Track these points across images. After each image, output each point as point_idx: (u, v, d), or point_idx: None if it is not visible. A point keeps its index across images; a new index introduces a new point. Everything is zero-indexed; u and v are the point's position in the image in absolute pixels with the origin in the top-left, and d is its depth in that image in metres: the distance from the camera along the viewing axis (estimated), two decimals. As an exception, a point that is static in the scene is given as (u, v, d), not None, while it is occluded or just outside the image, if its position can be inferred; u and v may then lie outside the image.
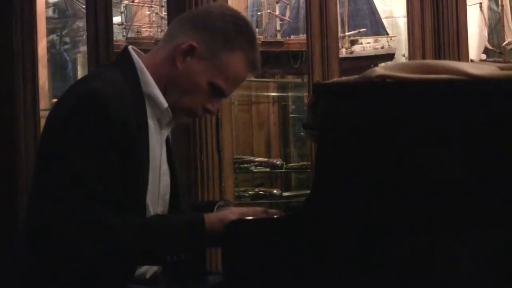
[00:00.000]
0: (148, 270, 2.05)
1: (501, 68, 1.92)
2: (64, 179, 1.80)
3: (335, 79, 3.25)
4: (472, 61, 4.63)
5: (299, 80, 5.05)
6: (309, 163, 4.19)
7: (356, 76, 1.93)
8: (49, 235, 1.81)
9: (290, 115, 5.18)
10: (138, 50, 2.07)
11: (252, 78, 5.00)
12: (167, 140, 2.13)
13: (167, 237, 1.89)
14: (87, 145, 1.81)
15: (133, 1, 5.01)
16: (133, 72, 1.99)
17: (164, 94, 2.02)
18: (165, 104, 2.00)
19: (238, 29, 2.02)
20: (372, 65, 4.36)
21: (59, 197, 1.79)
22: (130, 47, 2.05)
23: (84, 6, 4.07)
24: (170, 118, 2.04)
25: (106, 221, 1.82)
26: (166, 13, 4.35)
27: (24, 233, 1.92)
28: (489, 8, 5.71)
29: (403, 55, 4.88)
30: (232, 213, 1.94)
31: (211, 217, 1.92)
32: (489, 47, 5.65)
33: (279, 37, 4.94)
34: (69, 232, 1.79)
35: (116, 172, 1.85)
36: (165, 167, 2.08)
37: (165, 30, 2.16)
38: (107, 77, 1.93)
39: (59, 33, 5.26)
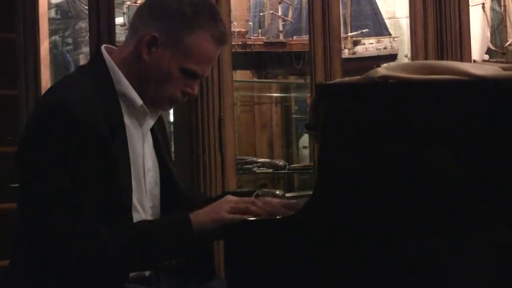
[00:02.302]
0: None
1: (504, 69, 1.92)
2: (45, 195, 1.82)
3: (338, 79, 3.24)
4: (474, 61, 4.62)
5: (301, 81, 5.05)
6: (312, 164, 4.19)
7: (358, 77, 1.93)
8: (39, 249, 1.84)
9: (293, 116, 5.17)
10: (112, 47, 2.06)
11: (255, 79, 5.02)
12: (154, 132, 2.12)
13: (154, 243, 1.89)
14: (61, 157, 1.82)
15: (135, 2, 5.00)
16: (105, 72, 1.98)
17: (141, 90, 2.01)
18: (139, 101, 1.99)
19: (195, 8, 1.98)
20: (375, 66, 4.36)
21: (43, 213, 1.81)
22: (102, 46, 2.04)
23: (86, 7, 4.07)
24: (148, 114, 2.03)
25: (93, 232, 1.82)
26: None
27: (18, 235, 1.94)
28: (492, 9, 5.71)
29: (406, 56, 4.87)
30: (224, 210, 1.92)
31: (200, 216, 1.91)
32: (492, 47, 5.65)
33: (281, 38, 4.94)
34: (57, 246, 1.81)
35: (94, 179, 1.85)
36: (149, 163, 2.07)
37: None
38: (75, 84, 1.94)
39: (61, 34, 5.26)
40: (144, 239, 1.88)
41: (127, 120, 1.98)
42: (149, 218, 2.04)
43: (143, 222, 1.99)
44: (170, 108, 2.11)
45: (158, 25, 1.97)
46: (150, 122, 2.07)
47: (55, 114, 1.84)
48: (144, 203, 2.03)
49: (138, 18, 2.03)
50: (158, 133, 2.15)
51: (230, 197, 1.98)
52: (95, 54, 2.05)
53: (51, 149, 1.83)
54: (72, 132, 1.83)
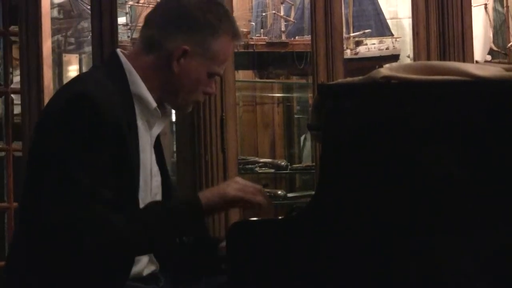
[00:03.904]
0: (144, 269, 2.07)
1: (506, 69, 1.92)
2: (64, 182, 1.83)
3: (340, 80, 3.24)
4: (477, 62, 4.61)
5: (303, 81, 5.05)
6: (314, 164, 4.19)
7: (361, 77, 1.93)
8: (52, 236, 1.84)
9: (295, 116, 5.18)
10: (124, 51, 2.09)
11: (257, 79, 5.02)
12: (157, 141, 2.14)
13: (166, 224, 1.94)
14: (82, 146, 1.84)
15: (138, 2, 5.01)
16: (121, 73, 2.01)
17: (167, 99, 2.07)
18: (153, 104, 2.03)
19: (218, 15, 2.06)
20: (377, 66, 4.36)
21: (60, 200, 1.83)
22: (118, 50, 2.08)
23: (89, 7, 4.08)
24: (159, 117, 2.07)
25: (107, 219, 1.85)
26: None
27: (21, 233, 1.94)
28: (494, 9, 5.70)
29: (408, 56, 4.87)
30: (230, 187, 1.99)
31: (207, 193, 1.97)
32: (494, 48, 5.64)
33: (283, 38, 4.94)
34: (73, 233, 1.82)
35: (111, 171, 1.87)
36: (155, 168, 2.10)
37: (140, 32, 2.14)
38: (95, 79, 1.97)
39: (64, 34, 5.27)
40: (157, 219, 1.93)
41: (139, 122, 2.00)
42: None
43: (154, 203, 2.03)
44: (190, 109, 2.18)
45: (187, 38, 2.02)
46: (159, 128, 2.11)
47: (77, 105, 1.87)
48: None
49: (159, 32, 2.04)
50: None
51: (238, 179, 2.06)
52: (111, 55, 2.08)
53: (75, 137, 1.85)
54: (96, 123, 1.85)
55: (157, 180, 2.10)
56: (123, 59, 2.03)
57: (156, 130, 2.10)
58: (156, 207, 2.00)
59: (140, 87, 2.01)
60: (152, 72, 2.03)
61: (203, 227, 2.11)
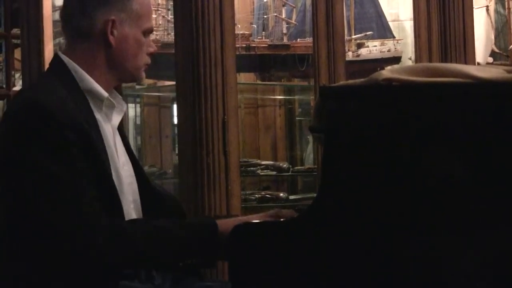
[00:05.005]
0: None
1: (508, 71, 1.92)
2: (54, 195, 1.84)
3: (342, 82, 3.24)
4: (478, 64, 4.62)
5: (305, 83, 5.06)
6: (316, 166, 4.19)
7: (362, 79, 1.94)
8: (47, 240, 1.85)
9: (297, 118, 5.18)
10: (64, 51, 2.11)
11: (259, 81, 5.02)
12: (120, 130, 2.16)
13: (178, 242, 1.94)
14: (53, 154, 1.86)
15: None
16: (67, 73, 2.03)
17: (118, 75, 2.09)
18: (104, 94, 2.05)
19: None
20: (379, 68, 4.36)
21: (59, 212, 1.84)
22: (59, 52, 2.10)
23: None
24: (114, 107, 2.08)
25: (123, 229, 1.88)
26: (172, 17, 4.35)
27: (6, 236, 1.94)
28: (496, 11, 5.71)
29: (410, 58, 4.87)
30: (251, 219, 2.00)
31: (226, 223, 1.96)
32: (496, 50, 5.65)
33: (285, 41, 4.95)
34: (78, 241, 1.84)
35: (89, 173, 1.89)
36: (123, 158, 2.11)
37: (65, 32, 2.16)
38: (45, 86, 1.99)
39: (65, 37, 5.27)
40: (171, 236, 1.94)
41: (97, 116, 2.03)
42: (132, 213, 2.07)
43: (169, 220, 2.05)
44: (143, 75, 2.19)
45: (108, 10, 2.05)
46: (118, 118, 2.13)
47: (35, 114, 1.88)
48: (125, 197, 2.05)
49: (82, 19, 2.06)
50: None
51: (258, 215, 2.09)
52: (54, 60, 2.10)
53: (40, 148, 1.86)
54: (55, 129, 1.87)
55: (128, 169, 2.11)
56: (66, 59, 2.06)
57: (116, 120, 2.12)
58: (170, 223, 2.01)
59: (89, 81, 2.04)
60: (94, 58, 2.06)
61: (216, 252, 2.05)
